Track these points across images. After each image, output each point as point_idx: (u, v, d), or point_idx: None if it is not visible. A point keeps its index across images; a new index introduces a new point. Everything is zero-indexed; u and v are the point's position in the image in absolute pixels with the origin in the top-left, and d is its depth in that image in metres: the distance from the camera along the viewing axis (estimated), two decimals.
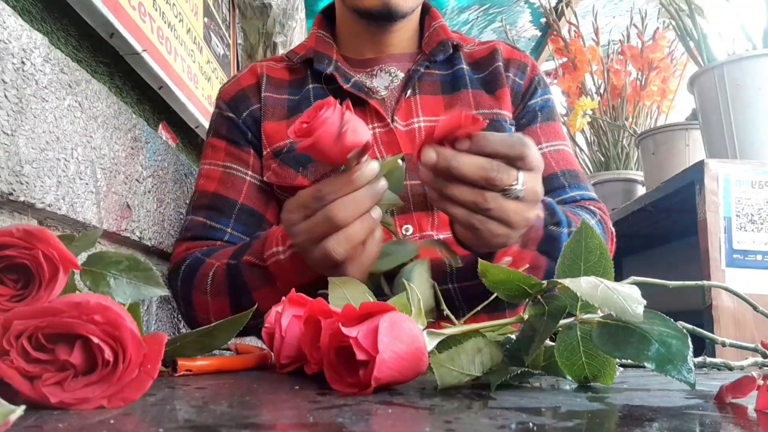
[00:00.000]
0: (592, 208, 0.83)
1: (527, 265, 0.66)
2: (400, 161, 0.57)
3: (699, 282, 0.49)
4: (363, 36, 0.90)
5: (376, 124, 0.84)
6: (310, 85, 0.88)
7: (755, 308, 0.50)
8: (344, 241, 0.55)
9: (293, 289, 0.52)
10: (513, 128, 0.88)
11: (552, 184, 0.84)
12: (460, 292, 0.78)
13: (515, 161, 0.53)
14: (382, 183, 0.55)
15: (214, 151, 0.88)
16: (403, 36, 0.90)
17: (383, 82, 0.90)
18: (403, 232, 0.82)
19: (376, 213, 0.56)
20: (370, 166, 0.53)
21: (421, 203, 0.82)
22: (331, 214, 0.54)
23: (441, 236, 0.81)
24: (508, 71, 0.90)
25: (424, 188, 0.81)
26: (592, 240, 0.43)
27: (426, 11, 0.94)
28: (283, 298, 0.50)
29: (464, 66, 0.89)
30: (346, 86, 0.85)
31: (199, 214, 0.86)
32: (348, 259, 0.57)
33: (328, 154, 0.50)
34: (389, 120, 0.85)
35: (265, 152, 0.86)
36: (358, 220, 0.55)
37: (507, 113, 0.87)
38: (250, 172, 0.87)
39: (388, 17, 0.84)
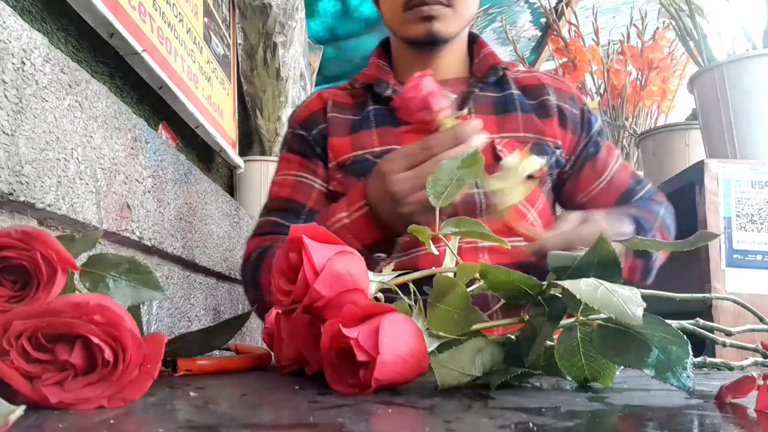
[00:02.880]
0: (658, 199, 0.98)
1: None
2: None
3: (706, 295, 0.49)
4: (415, 62, 1.00)
5: None
6: (371, 107, 0.98)
7: (762, 320, 0.50)
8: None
9: None
10: (558, 152, 0.96)
11: (630, 193, 0.99)
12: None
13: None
14: (481, 139, 0.63)
15: (289, 164, 1.00)
16: (452, 60, 1.01)
17: None
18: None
19: None
20: (472, 125, 0.63)
21: (470, 211, 0.88)
22: (441, 161, 0.61)
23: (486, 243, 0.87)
24: (563, 101, 0.98)
25: (474, 197, 0.90)
26: (606, 254, 0.42)
27: (474, 40, 1.05)
28: None
29: (514, 90, 0.98)
30: None
31: (272, 215, 0.97)
32: (432, 210, 0.64)
33: (416, 113, 0.61)
34: None
35: (330, 165, 0.96)
36: None
37: (551, 140, 0.96)
38: (318, 181, 0.97)
39: (432, 43, 0.95)
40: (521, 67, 1.07)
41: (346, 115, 0.99)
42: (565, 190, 1.00)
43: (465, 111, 0.94)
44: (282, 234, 0.93)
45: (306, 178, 0.98)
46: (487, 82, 0.98)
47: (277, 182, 1.00)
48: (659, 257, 0.89)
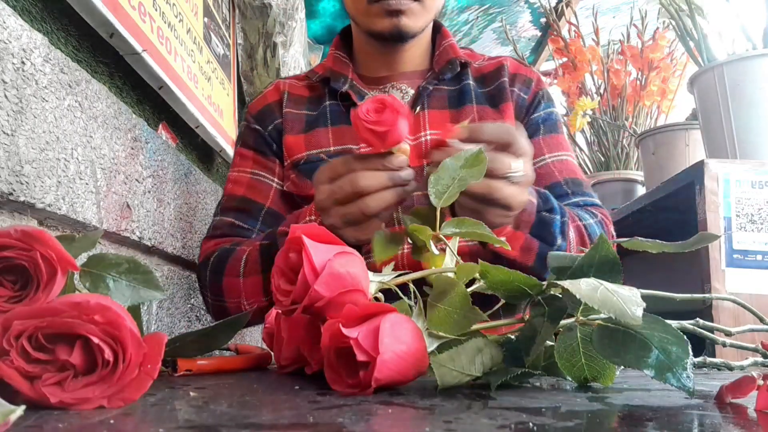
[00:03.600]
0: (593, 210, 0.86)
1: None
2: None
3: (706, 295, 0.49)
4: (377, 55, 0.95)
5: None
6: (327, 102, 0.93)
7: (762, 320, 0.50)
8: (358, 209, 0.60)
9: None
10: None
11: (555, 191, 0.86)
12: None
13: (506, 148, 0.59)
14: (406, 173, 0.60)
15: (243, 160, 0.95)
16: (415, 54, 0.96)
17: None
18: None
19: (393, 194, 0.60)
20: (400, 158, 0.60)
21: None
22: (355, 179, 0.59)
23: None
24: (513, 86, 0.93)
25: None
26: (606, 254, 0.42)
27: (437, 30, 0.99)
28: None
29: (470, 81, 0.93)
30: (360, 103, 0.89)
31: (227, 215, 0.92)
32: (356, 226, 0.62)
33: (374, 142, 0.58)
34: None
35: (285, 163, 0.92)
36: (377, 193, 0.59)
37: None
38: (276, 180, 0.93)
39: (398, 39, 0.89)
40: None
41: (301, 110, 0.94)
42: None
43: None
44: (239, 236, 0.89)
45: (262, 177, 0.93)
46: (442, 78, 0.93)
47: (232, 179, 0.95)
48: (572, 249, 0.77)
